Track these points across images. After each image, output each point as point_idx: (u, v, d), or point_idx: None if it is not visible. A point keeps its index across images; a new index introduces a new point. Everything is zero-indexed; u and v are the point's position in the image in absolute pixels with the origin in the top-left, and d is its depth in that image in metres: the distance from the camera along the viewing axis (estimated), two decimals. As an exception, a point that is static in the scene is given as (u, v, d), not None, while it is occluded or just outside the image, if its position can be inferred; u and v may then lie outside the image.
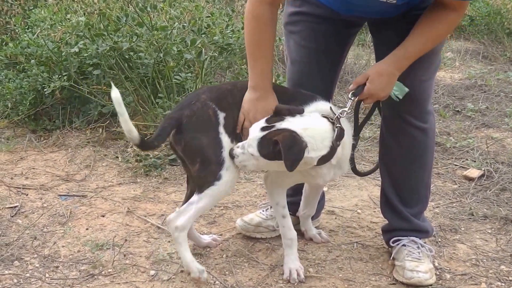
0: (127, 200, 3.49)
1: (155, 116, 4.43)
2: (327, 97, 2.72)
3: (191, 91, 4.59)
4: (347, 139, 2.53)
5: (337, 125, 2.43)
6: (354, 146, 2.65)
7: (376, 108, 2.73)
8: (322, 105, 2.55)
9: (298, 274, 2.67)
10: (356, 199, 3.59)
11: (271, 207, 3.12)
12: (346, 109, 2.51)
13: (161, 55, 4.30)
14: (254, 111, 2.51)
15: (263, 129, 2.38)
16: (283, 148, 2.27)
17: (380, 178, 2.94)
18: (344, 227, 3.22)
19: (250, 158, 2.42)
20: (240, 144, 2.46)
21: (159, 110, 4.34)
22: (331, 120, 2.44)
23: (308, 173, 2.55)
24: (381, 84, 2.46)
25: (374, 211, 3.40)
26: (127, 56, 4.49)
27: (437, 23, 2.37)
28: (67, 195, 3.56)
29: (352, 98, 2.51)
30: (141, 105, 4.48)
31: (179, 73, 4.50)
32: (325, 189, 3.24)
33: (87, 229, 3.14)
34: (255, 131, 2.39)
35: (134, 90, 4.50)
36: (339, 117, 2.47)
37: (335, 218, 3.33)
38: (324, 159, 2.44)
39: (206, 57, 4.36)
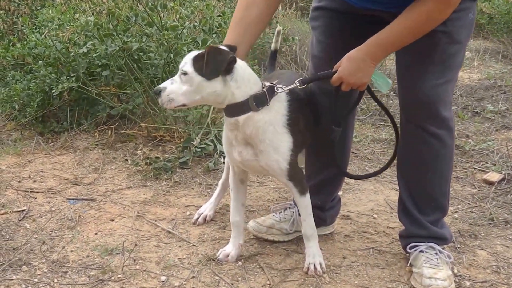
0: (137, 204, 3.50)
1: (165, 118, 4.44)
2: None
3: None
4: (271, 117, 2.56)
5: (265, 86, 2.54)
6: (333, 140, 2.70)
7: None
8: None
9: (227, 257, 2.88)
10: (372, 203, 3.58)
11: (284, 210, 3.14)
12: (284, 88, 2.57)
13: (172, 55, 4.31)
14: None
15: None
16: (208, 54, 2.40)
17: (397, 182, 2.93)
18: (359, 232, 3.22)
19: (180, 84, 2.46)
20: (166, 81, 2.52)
21: (169, 111, 4.35)
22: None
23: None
24: (348, 68, 2.45)
25: (391, 216, 3.39)
26: (136, 57, 4.50)
27: (413, 12, 2.31)
28: (76, 199, 3.58)
29: (298, 84, 2.57)
30: (151, 106, 4.49)
31: (190, 74, 4.50)
32: (340, 193, 3.23)
33: (96, 233, 3.15)
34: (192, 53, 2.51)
35: (143, 91, 4.51)
36: (275, 90, 2.55)
37: (351, 223, 3.33)
38: (236, 107, 2.51)
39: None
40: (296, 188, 2.72)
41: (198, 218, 3.29)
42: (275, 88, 2.55)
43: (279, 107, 2.57)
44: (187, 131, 4.35)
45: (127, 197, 3.61)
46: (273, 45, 3.23)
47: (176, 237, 3.11)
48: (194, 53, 2.48)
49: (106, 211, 3.42)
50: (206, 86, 2.43)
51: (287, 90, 2.57)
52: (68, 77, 4.39)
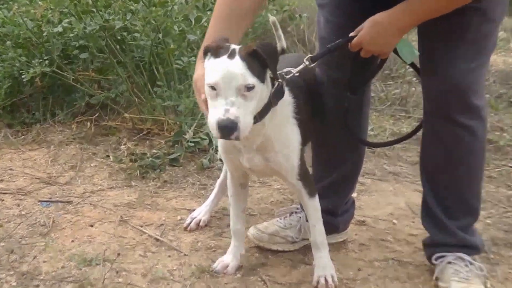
0: (120, 207, 3.50)
1: (152, 107, 4.43)
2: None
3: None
4: (283, 109, 2.53)
5: (279, 80, 2.43)
6: (347, 108, 2.72)
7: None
8: None
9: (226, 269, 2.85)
10: (391, 206, 3.57)
11: (290, 215, 3.13)
12: (294, 70, 2.53)
13: (160, 35, 4.30)
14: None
15: (229, 57, 2.26)
16: (264, 49, 2.27)
17: (420, 182, 2.91)
18: (377, 240, 3.21)
19: (246, 102, 2.24)
20: (220, 107, 2.22)
21: (158, 100, 4.34)
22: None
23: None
24: (370, 34, 2.45)
25: (413, 221, 3.38)
26: (119, 37, 4.49)
27: None
28: (49, 201, 3.57)
29: (307, 63, 2.54)
30: (136, 94, 4.48)
31: (181, 57, 4.49)
32: (354, 195, 3.22)
33: (72, 241, 3.14)
34: (228, 62, 2.25)
35: (128, 77, 4.51)
36: (283, 77, 2.49)
37: (367, 229, 3.32)
38: (265, 108, 2.41)
39: (213, 38, 4.34)
40: (305, 189, 2.71)
41: (190, 222, 3.28)
42: (282, 74, 2.51)
43: (285, 95, 2.55)
44: (178, 122, 4.35)
45: (109, 199, 3.60)
46: (278, 44, 3.15)
47: (165, 246, 3.11)
48: (235, 62, 2.23)
49: (84, 215, 3.41)
50: (264, 90, 2.31)
51: (297, 73, 2.54)
52: (41, 60, 4.38)
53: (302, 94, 2.66)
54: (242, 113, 2.20)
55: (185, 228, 3.27)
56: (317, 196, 2.75)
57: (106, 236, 3.19)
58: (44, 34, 4.48)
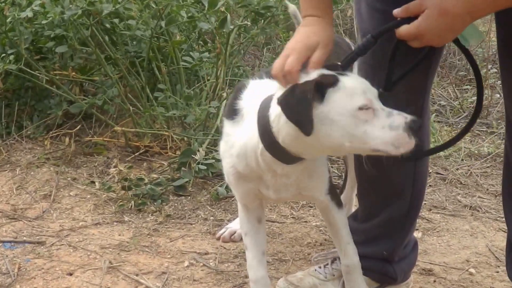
0: (109, 250, 3.51)
1: (151, 118, 4.44)
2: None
3: (208, 79, 4.59)
4: None
5: None
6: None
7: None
8: None
9: None
10: (468, 251, 3.57)
11: (332, 262, 3.11)
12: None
13: (163, 23, 4.32)
14: None
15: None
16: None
17: (504, 219, 2.90)
18: (449, 295, 3.22)
19: None
20: (393, 113, 2.34)
21: (159, 109, 4.34)
22: None
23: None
24: (439, 26, 2.36)
25: (497, 271, 3.37)
26: (109, 25, 4.51)
27: None
28: (14, 242, 3.59)
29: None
30: (131, 101, 4.49)
31: (190, 53, 4.51)
32: (417, 235, 3.22)
33: (46, 294, 3.17)
34: (355, 77, 2.42)
35: (119, 78, 4.52)
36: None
37: (434, 281, 3.31)
38: None
39: (232, 27, 4.35)
40: (333, 201, 2.76)
41: (224, 232, 3.44)
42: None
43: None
44: (185, 139, 4.35)
45: (94, 239, 3.61)
46: None
47: (168, 300, 3.13)
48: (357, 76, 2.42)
49: (61, 261, 3.42)
50: None
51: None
52: (3, 55, 4.39)
53: None
54: None
55: (218, 238, 3.39)
56: (344, 207, 2.83)
57: None
58: (8, 20, 4.46)
